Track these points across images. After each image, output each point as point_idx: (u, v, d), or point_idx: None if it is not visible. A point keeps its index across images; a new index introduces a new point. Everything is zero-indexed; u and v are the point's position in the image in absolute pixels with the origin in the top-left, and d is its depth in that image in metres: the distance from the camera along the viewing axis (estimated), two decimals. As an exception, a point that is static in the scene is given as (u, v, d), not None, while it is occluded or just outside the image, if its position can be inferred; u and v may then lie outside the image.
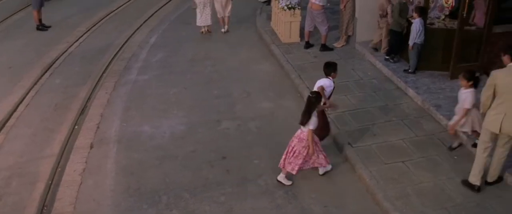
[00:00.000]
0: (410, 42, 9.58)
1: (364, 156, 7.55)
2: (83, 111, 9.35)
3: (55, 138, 8.51)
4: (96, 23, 13.94)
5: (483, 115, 6.52)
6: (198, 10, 12.72)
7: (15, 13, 15.01)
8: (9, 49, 12.40)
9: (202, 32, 13.07)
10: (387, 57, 10.41)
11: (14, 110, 9.44)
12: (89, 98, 9.80)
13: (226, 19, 13.06)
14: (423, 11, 9.50)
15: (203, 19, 12.78)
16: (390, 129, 8.30)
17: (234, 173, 7.50)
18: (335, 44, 11.72)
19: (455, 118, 7.30)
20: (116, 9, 15.08)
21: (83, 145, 8.31)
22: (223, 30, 13.10)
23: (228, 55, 11.75)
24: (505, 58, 6.35)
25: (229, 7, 12.86)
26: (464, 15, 9.04)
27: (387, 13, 10.31)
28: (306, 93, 9.46)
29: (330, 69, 7.48)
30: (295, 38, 12.03)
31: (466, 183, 6.76)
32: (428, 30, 9.64)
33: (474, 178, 6.66)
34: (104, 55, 11.77)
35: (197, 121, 8.96)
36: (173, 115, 9.19)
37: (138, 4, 15.59)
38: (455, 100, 8.75)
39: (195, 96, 9.85)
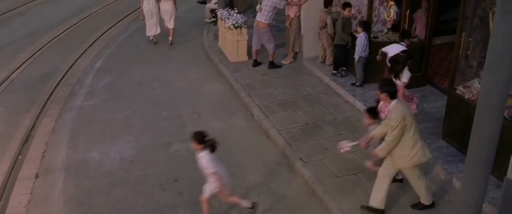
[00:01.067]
0: (356, 56, 9.76)
1: (316, 170, 7.57)
2: (27, 140, 9.01)
3: (-3, 169, 8.17)
4: (39, 49, 13.56)
5: (382, 157, 6.26)
6: (146, 21, 13.53)
7: (-48, 42, 14.49)
8: None
9: (152, 39, 13.81)
10: (334, 71, 10.55)
11: (-47, 143, 9.03)
12: (33, 126, 9.47)
13: (170, 31, 13.70)
14: (367, 26, 9.70)
15: (151, 28, 13.62)
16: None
17: (186, 195, 7.36)
18: (283, 61, 11.80)
19: (208, 187, 6.36)
20: (60, 34, 14.72)
21: (28, 176, 7.99)
22: (169, 38, 13.76)
23: (176, 76, 11.64)
24: (384, 96, 6.11)
25: (172, 20, 13.59)
26: (406, 28, 9.28)
27: (326, 24, 10.51)
28: (256, 111, 9.53)
29: (404, 36, 8.58)
30: (243, 57, 12.05)
31: (422, 206, 6.63)
32: (372, 44, 9.83)
33: (427, 200, 6.59)
34: (48, 81, 11.43)
35: (147, 144, 8.80)
36: (122, 140, 8.99)
37: (83, 29, 15.29)
38: (402, 111, 9.01)
39: (144, 120, 9.68)
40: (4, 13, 15.66)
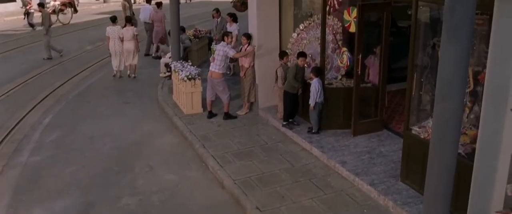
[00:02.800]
0: (311, 102, 9.63)
1: (273, 219, 7.25)
2: (-36, 200, 8.40)
3: None
4: (-15, 107, 12.97)
5: None
6: (112, 58, 15.13)
7: None
8: None
9: (114, 75, 15.33)
10: (284, 123, 10.34)
11: None
12: (-28, 185, 8.87)
13: (133, 67, 15.30)
14: (319, 71, 9.66)
15: (115, 64, 15.15)
16: (298, 189, 8.12)
17: (136, 251, 6.90)
18: (239, 112, 11.60)
19: None
20: (8, 92, 14.16)
21: (-37, 237, 7.38)
22: (132, 75, 15.31)
23: (129, 130, 11.26)
24: None
25: (136, 57, 15.19)
26: (359, 72, 9.27)
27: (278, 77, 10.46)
28: (211, 162, 9.22)
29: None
30: (198, 108, 11.80)
31: None
32: (327, 90, 9.79)
33: None
34: (-9, 139, 10.88)
35: (95, 199, 8.31)
36: (69, 195, 8.48)
37: (33, 86, 14.77)
38: (360, 155, 8.88)
39: (93, 174, 9.21)
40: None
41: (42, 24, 17.83)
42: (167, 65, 14.55)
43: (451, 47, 4.13)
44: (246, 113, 11.61)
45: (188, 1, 32.77)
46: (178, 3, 13.53)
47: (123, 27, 15.14)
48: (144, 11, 18.17)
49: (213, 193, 8.45)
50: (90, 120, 11.98)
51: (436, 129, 4.52)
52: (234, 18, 14.07)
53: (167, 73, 14.60)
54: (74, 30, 23.19)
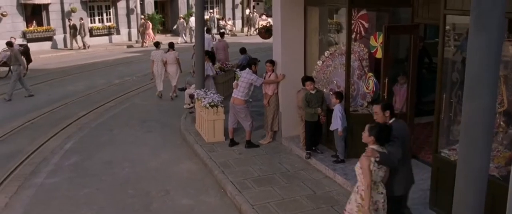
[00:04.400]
0: (339, 128, 9.23)
1: (291, 244, 6.80)
2: (-25, 217, 8.20)
3: None
4: (7, 133, 12.89)
5: None
6: (156, 79, 16.49)
7: None
8: None
9: (158, 95, 16.57)
10: (307, 151, 9.94)
11: None
12: (-16, 204, 8.67)
13: (173, 88, 16.34)
14: (341, 96, 9.32)
15: (159, 85, 16.49)
16: (319, 215, 7.69)
17: None
18: (261, 141, 11.25)
19: None
20: (32, 119, 14.15)
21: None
22: (174, 95, 16.41)
23: (148, 157, 11.02)
24: None
25: (176, 79, 16.23)
26: (386, 97, 8.89)
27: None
28: (230, 187, 8.85)
29: None
30: (220, 137, 11.50)
31: None
32: (352, 117, 9.43)
33: None
34: (9, 161, 10.69)
35: (107, 220, 8.02)
36: (81, 216, 8.22)
37: (57, 115, 14.73)
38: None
39: (108, 197, 8.94)
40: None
41: (12, 63, 17.29)
42: (191, 96, 14.38)
43: (479, 37, 3.78)
44: (269, 142, 11.26)
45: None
46: (204, 35, 13.53)
47: (166, 52, 16.29)
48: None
49: (230, 218, 8.08)
50: (110, 147, 11.81)
51: (464, 132, 4.11)
52: (210, 56, 13.92)
53: (192, 104, 14.42)
54: (105, 67, 23.44)
